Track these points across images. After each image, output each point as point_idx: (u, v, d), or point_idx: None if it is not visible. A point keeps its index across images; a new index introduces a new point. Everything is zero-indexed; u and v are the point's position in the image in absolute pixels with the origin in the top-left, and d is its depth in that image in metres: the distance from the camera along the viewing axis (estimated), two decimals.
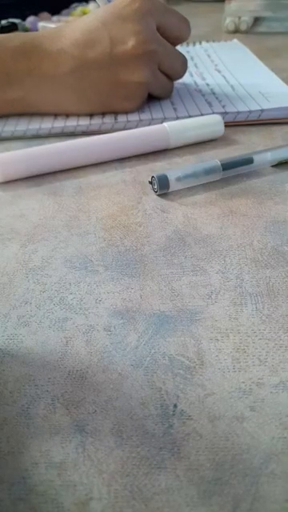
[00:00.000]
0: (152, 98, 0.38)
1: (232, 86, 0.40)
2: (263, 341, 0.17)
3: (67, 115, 0.36)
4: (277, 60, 0.48)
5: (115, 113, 0.36)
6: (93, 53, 0.32)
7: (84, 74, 0.33)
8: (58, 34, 0.34)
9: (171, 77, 0.36)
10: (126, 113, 0.36)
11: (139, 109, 0.36)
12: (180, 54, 0.36)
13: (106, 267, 0.21)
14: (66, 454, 0.14)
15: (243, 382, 0.16)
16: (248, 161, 0.27)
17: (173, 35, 0.34)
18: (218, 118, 0.32)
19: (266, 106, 0.35)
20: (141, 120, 0.34)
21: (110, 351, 0.17)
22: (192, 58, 0.50)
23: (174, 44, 0.35)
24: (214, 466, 0.13)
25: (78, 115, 0.36)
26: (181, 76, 0.37)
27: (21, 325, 0.18)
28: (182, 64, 0.36)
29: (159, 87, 0.36)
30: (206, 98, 0.38)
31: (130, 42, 0.32)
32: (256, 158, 0.27)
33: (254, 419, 0.14)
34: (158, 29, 0.33)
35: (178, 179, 0.26)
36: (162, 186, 0.26)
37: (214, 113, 0.35)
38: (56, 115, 0.36)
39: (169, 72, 0.35)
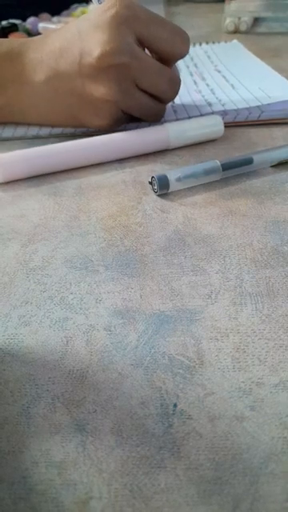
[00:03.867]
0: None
1: (232, 85, 0.40)
2: (263, 340, 0.17)
3: (52, 126, 0.35)
4: (277, 60, 0.48)
5: (87, 127, 0.33)
6: (64, 63, 0.30)
7: (57, 85, 0.31)
8: (42, 41, 0.32)
9: (157, 98, 0.31)
10: (99, 130, 0.33)
11: (114, 127, 0.33)
12: (167, 70, 0.30)
13: (106, 267, 0.21)
14: (66, 454, 0.14)
15: (243, 382, 0.16)
16: (248, 161, 0.27)
17: (162, 49, 0.29)
18: (217, 118, 0.32)
19: (266, 102, 0.35)
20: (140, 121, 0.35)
21: (110, 351, 0.17)
22: (192, 59, 0.50)
23: (167, 60, 0.30)
24: (214, 465, 0.13)
25: (53, 126, 0.34)
26: (170, 97, 0.32)
27: (21, 324, 0.18)
28: (170, 82, 0.31)
29: (140, 108, 0.31)
30: (206, 98, 0.38)
31: (95, 53, 0.28)
32: (256, 158, 0.27)
33: (254, 419, 0.14)
34: (142, 41, 0.29)
35: (178, 179, 0.26)
36: (162, 187, 0.26)
37: (213, 112, 0.35)
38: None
39: (151, 91, 0.30)
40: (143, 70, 0.29)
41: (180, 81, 0.32)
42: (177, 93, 0.32)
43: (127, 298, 0.19)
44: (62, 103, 0.32)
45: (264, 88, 0.38)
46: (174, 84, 0.31)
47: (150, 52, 0.31)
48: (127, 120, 0.33)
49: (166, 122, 0.34)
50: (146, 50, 0.31)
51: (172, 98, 0.32)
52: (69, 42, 0.30)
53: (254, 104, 0.35)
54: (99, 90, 0.29)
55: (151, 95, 0.31)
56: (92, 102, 0.31)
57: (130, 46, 0.28)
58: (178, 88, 0.32)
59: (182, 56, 0.30)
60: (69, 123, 0.34)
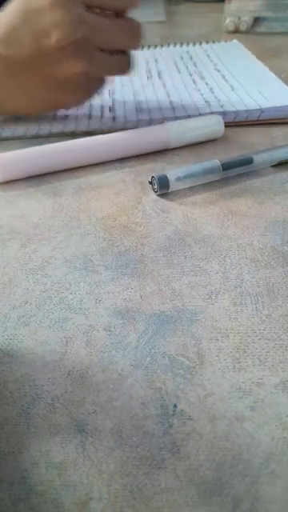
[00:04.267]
0: (149, 97, 0.37)
1: (231, 86, 0.40)
2: (263, 341, 0.17)
3: (31, 116, 0.35)
4: (277, 60, 0.48)
5: (67, 108, 0.34)
6: (19, 52, 0.29)
7: (17, 74, 0.30)
8: None
9: (123, 51, 0.32)
10: (79, 105, 0.34)
11: (94, 97, 0.34)
12: (123, 23, 0.30)
13: (106, 267, 0.21)
14: (66, 454, 0.14)
15: (243, 382, 0.16)
16: (248, 161, 0.27)
17: (112, 7, 0.30)
18: (218, 118, 0.32)
19: (264, 105, 0.35)
20: (140, 120, 0.34)
21: (110, 351, 0.17)
22: (191, 58, 0.50)
23: (121, 13, 0.30)
24: (214, 466, 0.13)
25: (28, 114, 0.35)
26: (134, 46, 0.32)
27: (21, 325, 0.18)
28: (131, 34, 0.31)
29: (110, 69, 0.32)
30: (205, 98, 0.38)
31: (53, 36, 0.28)
32: (256, 157, 0.27)
33: (254, 419, 0.14)
34: (90, 6, 0.29)
35: (178, 179, 0.26)
36: (162, 186, 0.26)
37: (212, 112, 0.35)
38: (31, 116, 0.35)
39: (116, 48, 0.31)
40: (101, 34, 0.29)
41: (140, 26, 0.31)
42: (140, 39, 0.31)
43: (127, 298, 0.19)
44: (31, 91, 0.32)
45: (263, 91, 0.38)
46: (135, 33, 0.31)
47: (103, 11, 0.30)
48: (103, 82, 0.34)
49: (166, 121, 0.34)
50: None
51: (136, 47, 0.32)
52: (16, 29, 0.29)
53: (252, 107, 0.35)
54: (68, 67, 0.29)
55: (116, 51, 0.31)
56: (64, 82, 0.31)
57: (81, 17, 0.28)
58: (140, 34, 0.31)
59: (134, 4, 0.30)
60: (45, 108, 0.34)
